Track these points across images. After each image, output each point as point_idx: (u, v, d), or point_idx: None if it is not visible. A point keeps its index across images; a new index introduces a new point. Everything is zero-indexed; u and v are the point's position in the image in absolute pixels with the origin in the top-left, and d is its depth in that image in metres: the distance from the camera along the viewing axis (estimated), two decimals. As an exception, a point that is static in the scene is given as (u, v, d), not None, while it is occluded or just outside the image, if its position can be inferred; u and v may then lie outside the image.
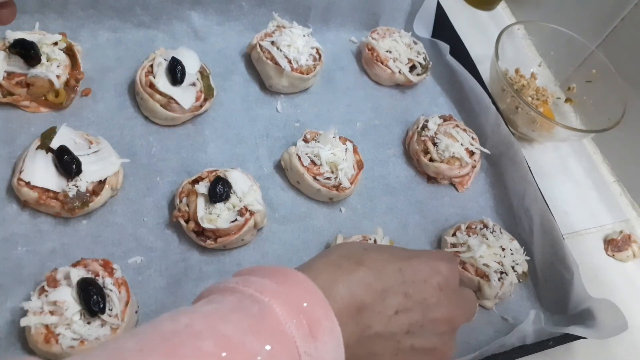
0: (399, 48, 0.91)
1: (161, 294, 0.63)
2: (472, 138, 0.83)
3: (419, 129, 0.83)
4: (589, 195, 0.91)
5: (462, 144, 0.81)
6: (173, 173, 0.72)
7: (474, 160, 0.82)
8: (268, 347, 0.33)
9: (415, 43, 0.93)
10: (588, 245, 0.84)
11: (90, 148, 0.66)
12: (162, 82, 0.73)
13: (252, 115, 0.81)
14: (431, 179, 0.82)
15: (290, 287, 0.37)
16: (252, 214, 0.65)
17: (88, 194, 0.63)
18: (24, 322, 0.53)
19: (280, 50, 0.81)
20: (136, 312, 0.59)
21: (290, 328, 0.34)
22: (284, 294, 0.36)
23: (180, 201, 0.66)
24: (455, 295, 0.45)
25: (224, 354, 0.32)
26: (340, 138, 0.76)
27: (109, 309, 0.55)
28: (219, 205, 0.64)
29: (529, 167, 0.79)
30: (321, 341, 0.35)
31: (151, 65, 0.74)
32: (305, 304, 0.36)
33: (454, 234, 0.74)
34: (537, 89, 0.97)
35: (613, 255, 0.84)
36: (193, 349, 0.32)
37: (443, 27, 0.97)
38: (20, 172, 0.62)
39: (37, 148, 0.63)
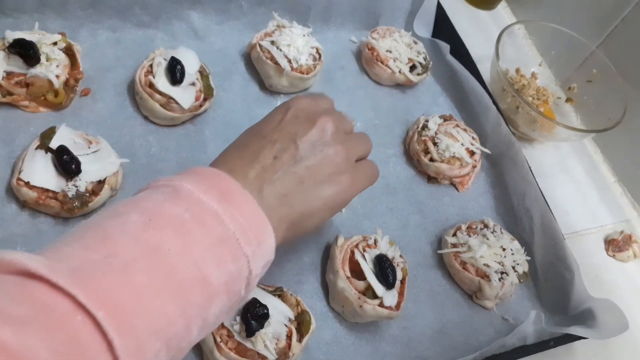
0: (399, 48, 0.90)
1: (161, 294, 0.62)
2: (473, 138, 0.83)
3: (419, 129, 0.82)
4: (589, 196, 0.90)
5: (462, 144, 0.80)
6: (172, 173, 0.71)
7: (475, 160, 0.82)
8: (188, 213, 0.38)
9: (415, 43, 0.93)
10: (589, 245, 0.84)
11: (89, 148, 0.66)
12: (161, 81, 0.72)
13: (252, 115, 0.81)
14: (431, 179, 0.82)
15: (196, 174, 0.43)
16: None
17: (87, 194, 0.63)
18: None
19: (280, 50, 0.80)
20: (135, 312, 0.59)
21: (204, 197, 0.40)
22: (192, 177, 0.42)
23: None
24: (317, 109, 0.52)
25: (149, 219, 0.37)
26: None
27: (108, 310, 0.55)
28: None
29: (530, 167, 0.79)
30: (235, 203, 0.41)
31: (150, 65, 0.74)
32: (213, 181, 0.42)
33: (454, 234, 0.73)
34: (538, 88, 0.96)
35: (614, 255, 0.84)
36: (120, 223, 0.37)
37: (443, 27, 0.97)
38: (20, 172, 0.62)
39: (37, 148, 0.63)
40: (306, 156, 0.47)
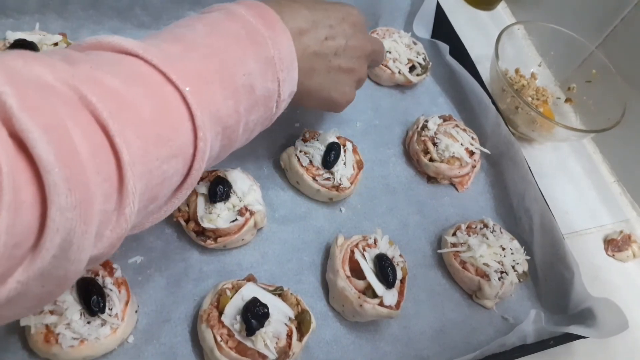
0: (399, 48, 0.91)
1: (161, 293, 0.63)
2: (472, 138, 0.83)
3: (418, 129, 0.83)
4: (589, 195, 0.91)
5: (462, 144, 0.80)
6: (173, 173, 0.72)
7: (474, 160, 0.82)
8: (243, 30, 0.45)
9: (415, 43, 0.93)
10: (588, 245, 0.84)
11: (90, 148, 0.66)
12: (162, 82, 0.73)
13: (252, 116, 0.81)
14: (431, 179, 0.82)
15: (247, 4, 0.48)
16: (252, 213, 0.65)
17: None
18: (23, 321, 0.53)
19: (280, 51, 0.81)
20: (136, 311, 0.60)
21: (253, 20, 0.46)
22: (243, 4, 0.48)
23: (180, 201, 0.66)
24: (365, 33, 0.62)
25: (211, 30, 0.44)
26: (340, 138, 0.76)
27: (109, 309, 0.55)
28: (219, 205, 0.64)
29: (529, 167, 0.79)
30: (277, 32, 0.47)
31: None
32: (260, 11, 0.47)
33: (454, 234, 0.73)
34: (537, 89, 0.97)
35: (613, 255, 0.84)
36: (190, 30, 0.43)
37: (443, 28, 0.97)
38: (20, 172, 0.62)
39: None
40: (343, 57, 0.56)
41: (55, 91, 0.31)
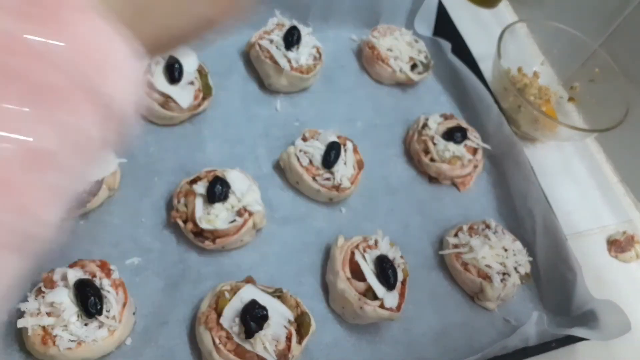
0: (400, 46, 0.90)
1: (159, 295, 0.62)
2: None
3: (419, 128, 0.82)
4: (592, 196, 0.90)
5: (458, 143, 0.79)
6: (171, 173, 0.71)
7: (476, 160, 0.81)
8: None
9: (416, 41, 0.92)
10: (591, 246, 0.83)
11: (87, 148, 0.65)
12: (159, 80, 0.72)
13: (251, 115, 0.80)
14: (432, 179, 0.81)
15: None
16: (251, 214, 0.65)
17: (85, 194, 0.63)
18: (20, 323, 0.53)
19: (280, 50, 0.80)
20: (134, 313, 0.59)
21: None
22: None
23: (178, 201, 0.65)
24: None
25: None
26: (340, 138, 0.75)
27: (106, 311, 0.55)
28: (218, 205, 0.63)
29: (532, 167, 0.79)
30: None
31: (149, 64, 0.74)
32: None
33: (455, 235, 0.73)
34: (540, 87, 0.96)
35: (616, 256, 0.83)
36: None
37: (444, 25, 0.96)
38: (17, 172, 0.61)
39: (34, 148, 0.63)
40: None
41: None
